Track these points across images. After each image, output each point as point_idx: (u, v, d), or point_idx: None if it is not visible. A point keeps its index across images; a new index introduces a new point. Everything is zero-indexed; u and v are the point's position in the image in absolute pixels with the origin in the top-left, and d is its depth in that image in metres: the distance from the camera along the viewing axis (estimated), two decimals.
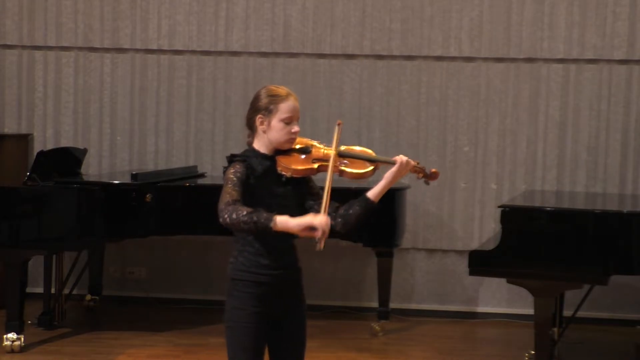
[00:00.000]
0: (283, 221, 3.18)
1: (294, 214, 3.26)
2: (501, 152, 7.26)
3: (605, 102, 7.15)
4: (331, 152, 3.44)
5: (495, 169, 7.27)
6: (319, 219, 3.18)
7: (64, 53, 7.53)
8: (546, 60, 7.18)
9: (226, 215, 3.21)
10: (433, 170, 3.62)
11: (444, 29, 7.24)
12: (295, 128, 3.45)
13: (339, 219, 3.43)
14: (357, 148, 3.59)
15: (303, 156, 3.47)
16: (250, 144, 3.52)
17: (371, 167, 3.50)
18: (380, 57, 7.31)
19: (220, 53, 7.43)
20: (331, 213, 3.40)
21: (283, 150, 3.47)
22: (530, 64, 7.22)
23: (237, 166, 3.37)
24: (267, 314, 3.44)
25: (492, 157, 7.27)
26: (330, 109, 7.27)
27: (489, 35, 7.21)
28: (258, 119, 3.45)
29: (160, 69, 7.48)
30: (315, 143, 3.54)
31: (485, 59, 7.25)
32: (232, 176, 3.33)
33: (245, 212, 3.19)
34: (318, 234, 3.17)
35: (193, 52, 7.45)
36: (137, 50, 7.48)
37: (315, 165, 3.45)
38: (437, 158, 7.28)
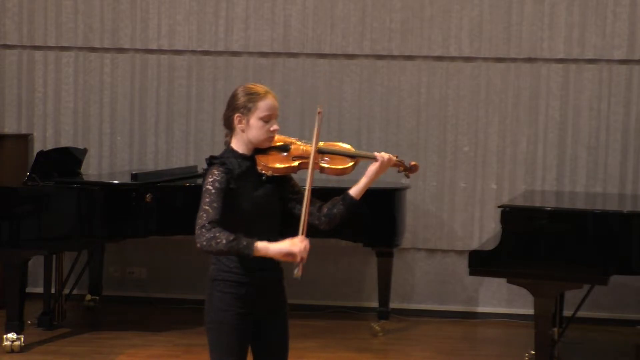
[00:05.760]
0: (263, 248, 3.20)
1: (274, 215, 3.41)
2: (501, 152, 7.26)
3: (605, 102, 7.15)
4: (310, 148, 3.40)
5: (495, 169, 7.27)
6: (298, 246, 3.19)
7: (64, 53, 7.53)
8: (546, 60, 7.18)
9: (205, 243, 3.21)
10: (412, 163, 3.61)
11: (444, 29, 7.24)
12: (275, 126, 3.42)
13: (323, 218, 3.46)
14: (338, 143, 3.58)
15: (283, 154, 3.45)
16: (228, 143, 3.48)
17: (351, 163, 3.49)
18: (380, 57, 7.31)
19: (220, 53, 7.43)
20: (314, 212, 3.45)
21: (262, 149, 3.44)
22: (530, 64, 7.21)
23: (216, 172, 3.31)
24: (250, 315, 3.42)
25: (492, 157, 7.26)
26: (330, 109, 7.27)
27: (489, 35, 7.21)
28: (236, 117, 3.40)
29: (160, 69, 7.48)
30: (294, 140, 3.52)
31: (485, 59, 7.24)
32: (210, 187, 3.29)
33: (224, 242, 3.18)
34: (297, 259, 3.20)
35: (193, 52, 7.45)
36: (137, 50, 7.48)
37: (296, 163, 3.43)
38: (437, 158, 7.28)
